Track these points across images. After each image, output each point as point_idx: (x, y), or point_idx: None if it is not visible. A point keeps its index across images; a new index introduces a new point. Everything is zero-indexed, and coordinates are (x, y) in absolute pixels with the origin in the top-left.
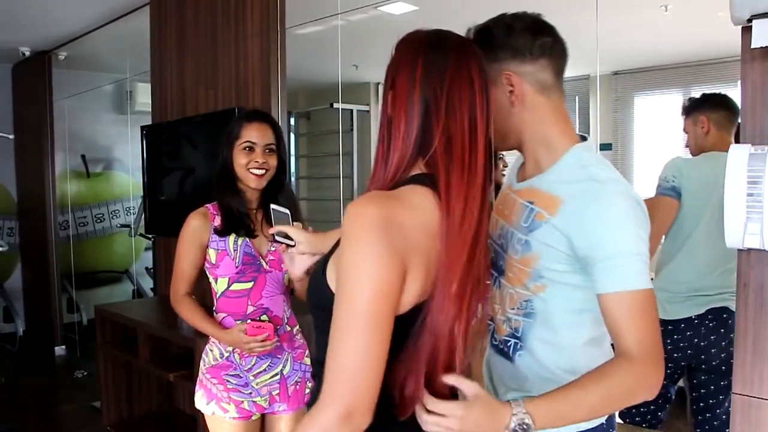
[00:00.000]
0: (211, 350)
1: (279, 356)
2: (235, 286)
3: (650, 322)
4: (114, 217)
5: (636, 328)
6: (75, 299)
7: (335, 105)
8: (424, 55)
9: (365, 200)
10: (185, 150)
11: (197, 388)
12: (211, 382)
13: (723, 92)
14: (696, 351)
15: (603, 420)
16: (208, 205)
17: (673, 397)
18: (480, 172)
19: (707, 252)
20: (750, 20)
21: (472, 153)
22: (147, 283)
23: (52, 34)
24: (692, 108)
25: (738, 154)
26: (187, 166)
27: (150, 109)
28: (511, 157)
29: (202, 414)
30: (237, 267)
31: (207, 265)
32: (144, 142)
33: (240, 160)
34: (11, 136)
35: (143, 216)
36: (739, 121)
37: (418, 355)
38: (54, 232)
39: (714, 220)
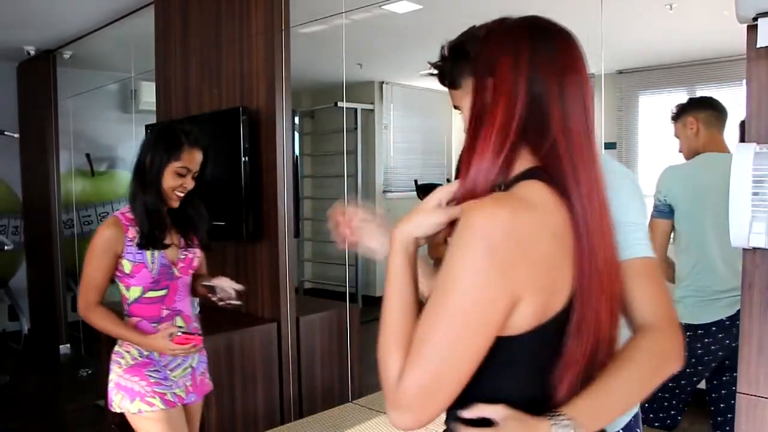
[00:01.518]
0: (127, 352)
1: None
2: (150, 294)
3: (661, 289)
4: None
5: (649, 296)
6: None
7: (339, 104)
8: (529, 40)
9: (484, 208)
10: None
11: (114, 393)
12: (132, 380)
13: (728, 91)
14: (726, 352)
15: (630, 417)
16: (117, 213)
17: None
18: (598, 162)
19: (723, 253)
20: (755, 19)
21: (590, 143)
22: None
23: (57, 33)
24: (680, 112)
25: (743, 152)
26: None
27: (154, 108)
28: None
29: (125, 415)
30: (153, 278)
31: (118, 274)
32: None
33: (170, 181)
34: (16, 135)
35: None
36: (736, 119)
37: (572, 358)
38: (59, 231)
39: (720, 221)
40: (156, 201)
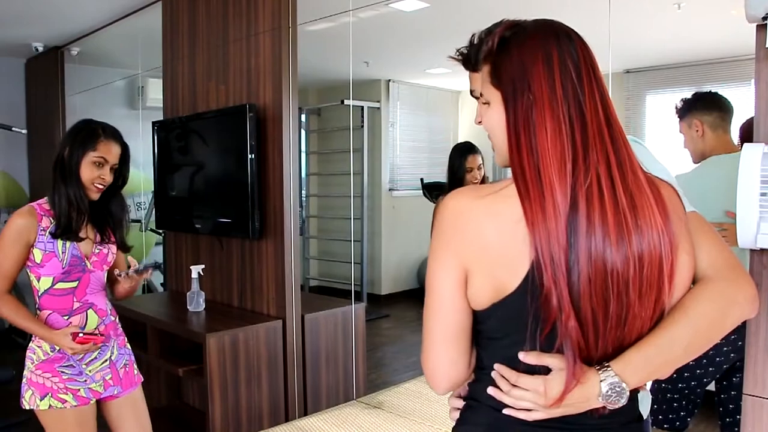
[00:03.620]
0: (39, 347)
1: (107, 344)
2: (60, 285)
3: (715, 239)
4: None
5: (702, 249)
6: None
7: (346, 102)
8: (557, 51)
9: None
10: (196, 146)
11: (24, 389)
12: (44, 377)
13: (736, 91)
14: (738, 354)
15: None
16: (33, 203)
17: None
18: (630, 162)
19: (740, 255)
20: (765, 18)
21: (616, 145)
22: (157, 278)
23: (65, 30)
24: (685, 110)
25: (751, 153)
26: (197, 161)
27: (161, 105)
28: None
29: (35, 413)
30: (64, 268)
31: (29, 264)
32: (155, 137)
33: (88, 173)
34: (24, 131)
35: (153, 211)
36: (735, 117)
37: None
38: None
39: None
40: (78, 193)
